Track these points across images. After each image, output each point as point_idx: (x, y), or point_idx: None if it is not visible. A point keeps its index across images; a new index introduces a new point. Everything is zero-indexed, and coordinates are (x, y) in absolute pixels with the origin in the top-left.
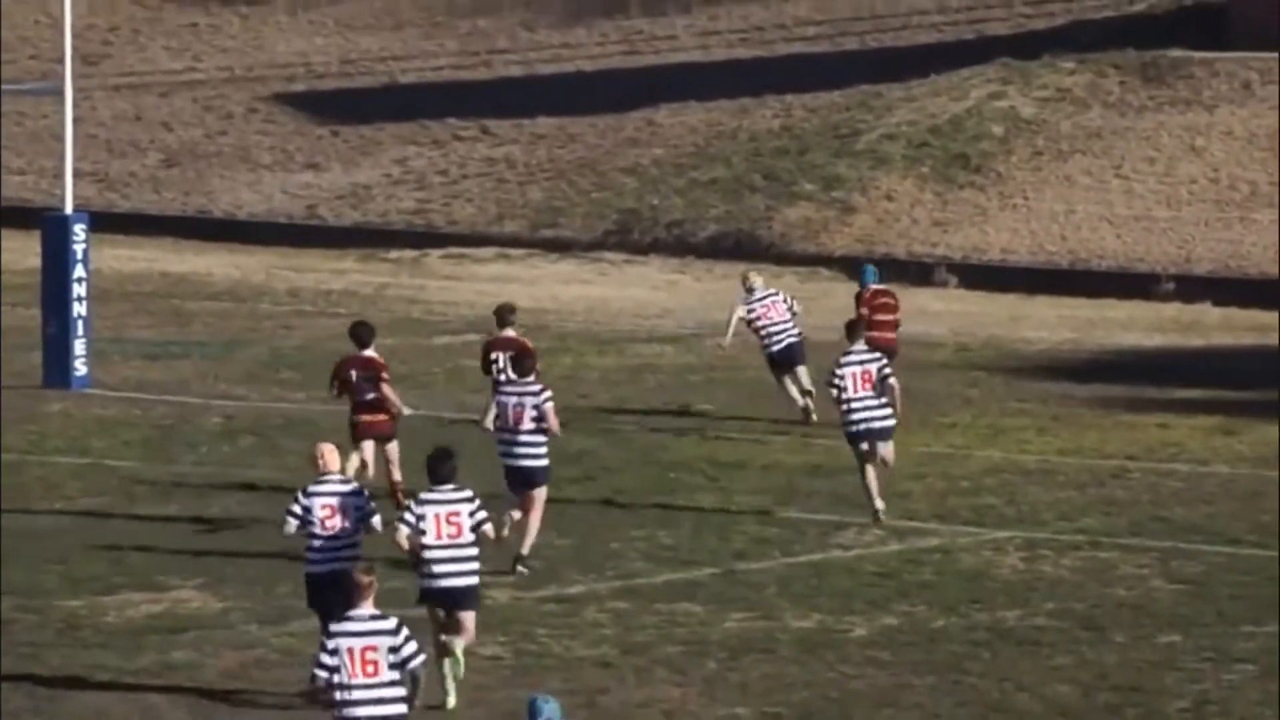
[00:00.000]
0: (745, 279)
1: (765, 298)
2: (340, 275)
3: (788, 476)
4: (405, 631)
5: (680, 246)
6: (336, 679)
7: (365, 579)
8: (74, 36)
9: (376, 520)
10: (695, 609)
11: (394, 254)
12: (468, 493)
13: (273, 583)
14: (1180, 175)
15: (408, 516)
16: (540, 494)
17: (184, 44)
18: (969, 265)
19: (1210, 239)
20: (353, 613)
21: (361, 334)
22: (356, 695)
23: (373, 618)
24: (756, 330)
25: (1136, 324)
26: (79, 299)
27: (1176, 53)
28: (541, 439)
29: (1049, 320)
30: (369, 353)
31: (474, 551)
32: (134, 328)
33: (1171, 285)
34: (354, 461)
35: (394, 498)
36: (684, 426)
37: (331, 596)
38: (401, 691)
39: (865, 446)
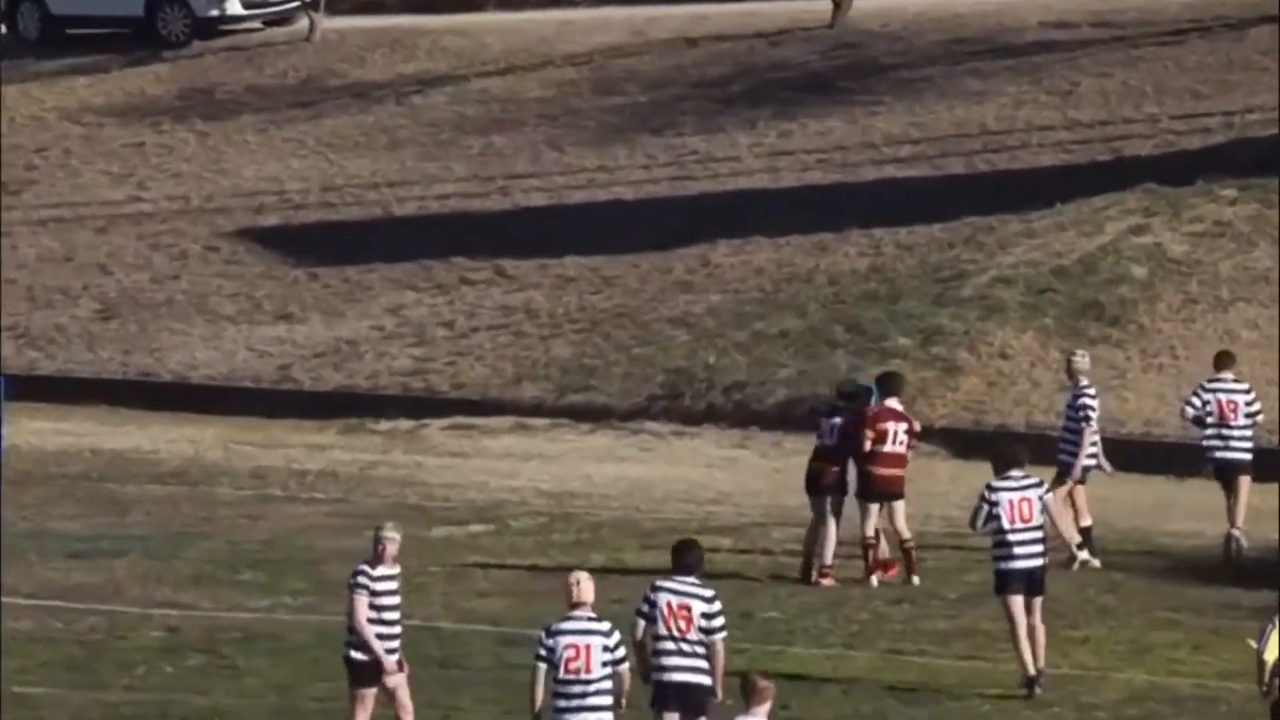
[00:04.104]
0: (1070, 362)
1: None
2: (319, 451)
3: (874, 700)
4: None
5: (742, 415)
6: None
7: (762, 684)
8: None
9: (625, 668)
10: None
11: (385, 425)
12: (708, 591)
13: None
14: None
15: (643, 607)
16: (1037, 602)
17: (128, 168)
18: (1104, 440)
19: None
20: (739, 718)
21: (895, 384)
22: None
23: None
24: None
25: None
26: None
27: None
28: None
29: (1206, 509)
30: (897, 404)
31: (704, 650)
32: (57, 518)
33: None
34: (872, 520)
35: (906, 557)
36: (745, 637)
37: None
38: None
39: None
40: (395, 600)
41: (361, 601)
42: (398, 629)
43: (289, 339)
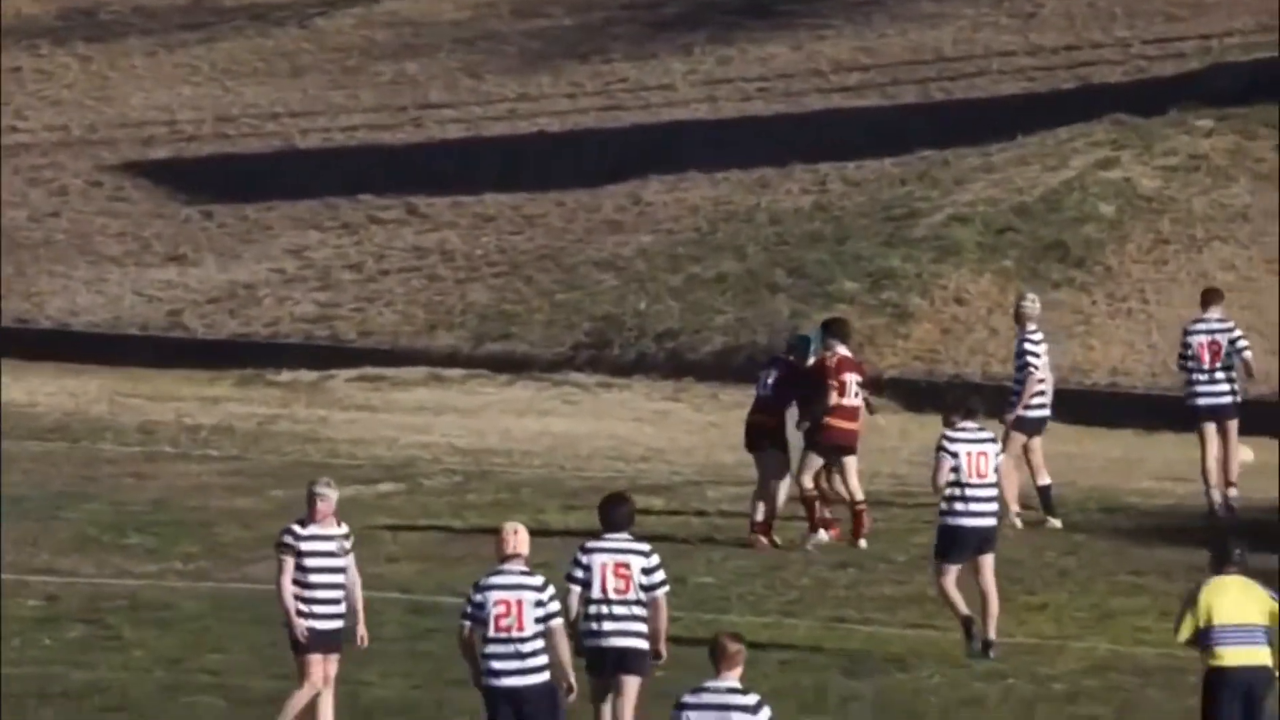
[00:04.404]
0: (1019, 306)
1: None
2: (212, 405)
3: (815, 672)
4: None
5: (675, 365)
6: None
7: (733, 646)
8: None
9: (558, 624)
10: None
11: (286, 376)
12: (644, 546)
13: None
14: None
15: (575, 572)
16: (989, 560)
17: (2, 96)
18: (1067, 391)
19: None
20: (710, 684)
21: (843, 331)
22: None
23: (730, 690)
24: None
25: None
26: None
27: None
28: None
29: (1175, 465)
30: (848, 352)
31: (642, 611)
32: None
33: None
34: (811, 472)
35: (856, 518)
36: (678, 604)
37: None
38: None
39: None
40: (328, 563)
41: (286, 563)
42: (333, 594)
43: (180, 283)
